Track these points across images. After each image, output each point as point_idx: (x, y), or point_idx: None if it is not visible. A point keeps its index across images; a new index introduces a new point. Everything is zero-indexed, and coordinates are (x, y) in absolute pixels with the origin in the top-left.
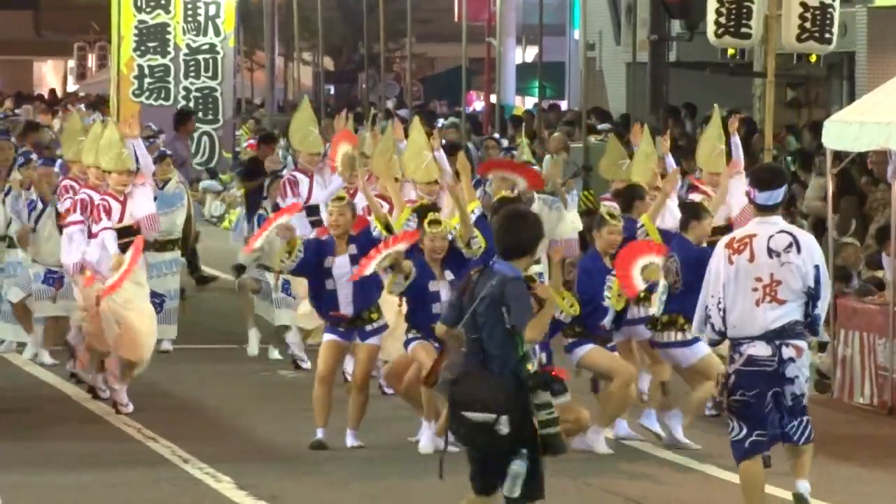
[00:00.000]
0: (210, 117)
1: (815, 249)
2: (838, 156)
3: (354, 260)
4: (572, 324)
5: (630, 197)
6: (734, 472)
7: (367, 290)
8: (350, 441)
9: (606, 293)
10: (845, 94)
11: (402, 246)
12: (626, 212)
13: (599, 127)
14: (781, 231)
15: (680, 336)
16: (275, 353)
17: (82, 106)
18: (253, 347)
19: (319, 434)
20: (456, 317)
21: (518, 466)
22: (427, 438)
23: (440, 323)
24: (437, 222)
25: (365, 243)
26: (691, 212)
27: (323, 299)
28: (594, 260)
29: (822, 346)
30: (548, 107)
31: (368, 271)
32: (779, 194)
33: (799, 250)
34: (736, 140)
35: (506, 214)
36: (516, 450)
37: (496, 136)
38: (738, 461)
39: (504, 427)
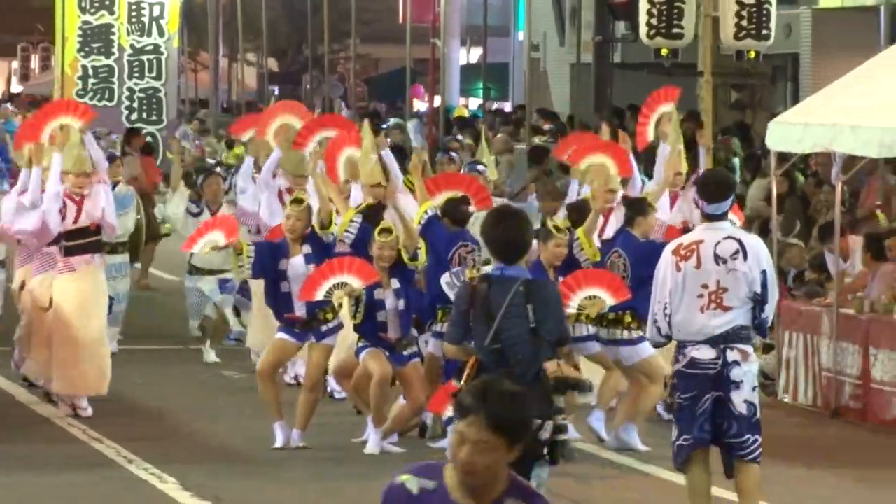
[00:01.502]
0: (154, 118)
1: (763, 254)
2: (783, 157)
3: (309, 260)
4: None
5: (583, 212)
6: (676, 473)
7: None
8: (296, 441)
9: None
10: (789, 96)
11: (358, 284)
12: (577, 226)
13: (545, 127)
14: (728, 237)
15: (626, 334)
16: (211, 356)
17: (9, 104)
18: (209, 355)
19: (278, 429)
20: (462, 333)
21: (543, 472)
22: (373, 440)
23: (446, 343)
24: (387, 231)
25: (319, 243)
26: (637, 207)
27: (278, 301)
28: (539, 273)
29: (766, 348)
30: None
31: (319, 297)
32: (726, 205)
33: (746, 257)
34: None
35: (494, 216)
36: (541, 456)
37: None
38: (674, 464)
39: (546, 433)
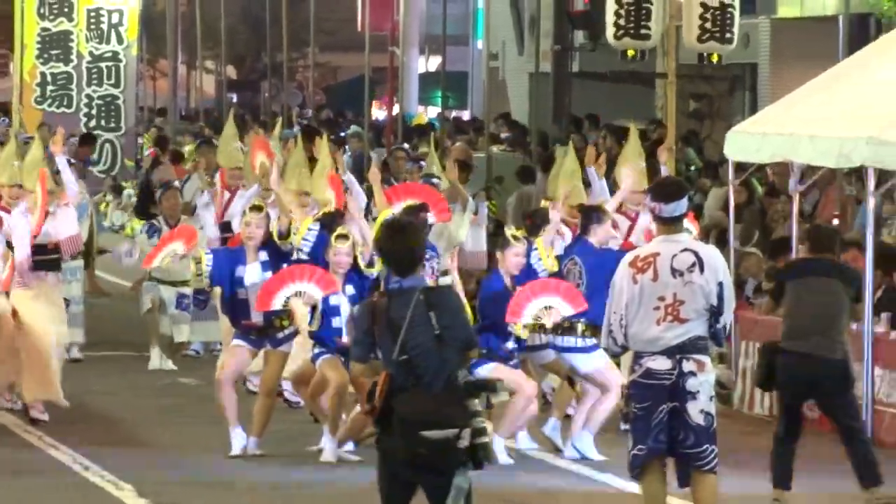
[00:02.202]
0: (112, 125)
1: (720, 265)
2: (740, 167)
3: (266, 267)
4: None
5: (538, 221)
6: (632, 482)
7: None
8: (252, 448)
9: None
10: (748, 106)
11: (318, 294)
12: (533, 235)
13: (503, 136)
14: (685, 250)
15: (580, 342)
16: (168, 364)
17: None
18: (154, 362)
19: (235, 436)
20: (367, 351)
21: (463, 480)
22: (329, 448)
23: (353, 363)
24: (344, 237)
25: (276, 251)
26: (592, 215)
27: (235, 308)
28: (497, 282)
29: (721, 358)
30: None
31: (276, 306)
32: (683, 205)
33: (702, 269)
34: (665, 169)
35: (388, 229)
36: (462, 463)
37: (405, 146)
38: (629, 473)
39: (465, 441)
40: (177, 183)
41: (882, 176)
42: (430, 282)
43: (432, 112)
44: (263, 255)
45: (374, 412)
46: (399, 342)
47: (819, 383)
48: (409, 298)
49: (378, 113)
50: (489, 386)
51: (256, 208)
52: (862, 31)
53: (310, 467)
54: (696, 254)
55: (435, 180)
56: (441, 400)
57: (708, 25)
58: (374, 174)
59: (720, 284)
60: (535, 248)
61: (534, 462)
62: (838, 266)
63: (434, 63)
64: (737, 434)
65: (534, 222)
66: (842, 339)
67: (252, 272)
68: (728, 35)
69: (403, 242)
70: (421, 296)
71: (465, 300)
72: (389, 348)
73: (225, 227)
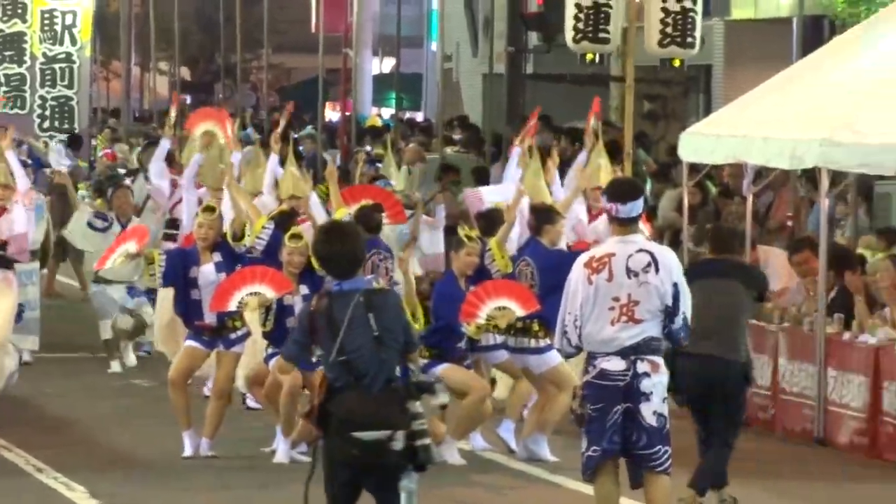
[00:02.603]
0: (66, 126)
1: (675, 266)
2: (694, 168)
3: (220, 268)
4: (428, 345)
5: (491, 221)
6: (586, 484)
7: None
8: (205, 450)
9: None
10: (702, 107)
11: (271, 294)
12: (488, 235)
13: (456, 137)
14: (640, 250)
15: (533, 343)
16: (115, 366)
17: None
18: (115, 366)
19: (188, 437)
20: (300, 352)
21: (410, 482)
22: (282, 449)
23: (284, 358)
24: (297, 237)
25: (230, 251)
26: (544, 216)
27: (188, 308)
28: (450, 282)
29: None
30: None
31: (231, 307)
32: (639, 205)
33: (657, 270)
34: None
35: (325, 232)
36: (403, 466)
37: (368, 148)
38: (582, 475)
39: (399, 443)
40: (128, 181)
41: (835, 177)
42: (383, 283)
43: (386, 114)
44: (217, 257)
45: (312, 413)
46: (338, 343)
47: (721, 384)
48: (349, 300)
49: (331, 114)
50: (428, 388)
51: (209, 209)
52: (816, 32)
53: (263, 469)
54: (651, 254)
55: (392, 182)
56: (379, 401)
57: (669, 30)
58: (332, 172)
59: (675, 285)
60: (489, 249)
61: (487, 463)
62: (740, 266)
63: (388, 65)
64: (690, 436)
65: (487, 223)
66: (744, 340)
67: (206, 273)
68: (689, 39)
69: (340, 246)
70: (361, 298)
71: (416, 301)
72: (329, 349)
73: (171, 223)
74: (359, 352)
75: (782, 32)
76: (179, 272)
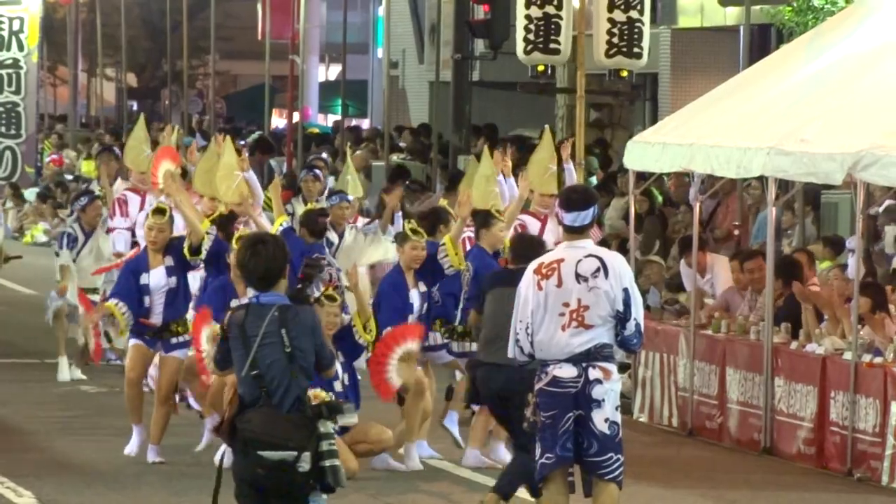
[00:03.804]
0: (13, 132)
1: (625, 271)
2: (641, 176)
3: (171, 272)
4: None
5: (434, 220)
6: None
7: (178, 303)
8: (151, 456)
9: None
10: (648, 115)
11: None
12: (430, 235)
13: (402, 144)
14: (590, 255)
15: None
16: (77, 373)
17: None
18: (63, 373)
19: (136, 433)
20: (226, 361)
21: (320, 502)
22: (230, 453)
23: (216, 370)
24: None
25: (180, 253)
26: (480, 220)
27: (139, 308)
28: (397, 276)
29: (623, 368)
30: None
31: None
32: (587, 215)
33: (607, 274)
34: (570, 166)
35: (247, 244)
36: (311, 487)
37: (324, 156)
38: (535, 482)
39: (305, 464)
40: (98, 192)
41: (781, 186)
42: (328, 289)
43: (331, 120)
44: (169, 260)
45: (222, 428)
46: (250, 358)
47: (515, 392)
48: (265, 314)
49: (278, 121)
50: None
51: (159, 212)
52: (763, 41)
53: (211, 474)
54: (600, 259)
55: (350, 198)
56: (287, 421)
57: (615, 41)
58: (276, 184)
59: (625, 290)
60: (443, 245)
61: (434, 471)
62: None
63: (334, 71)
64: (638, 444)
65: (430, 221)
66: None
67: (156, 276)
68: (637, 50)
69: (262, 258)
70: (276, 312)
71: (370, 312)
72: (241, 363)
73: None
74: (270, 367)
75: (729, 41)
76: (132, 281)
